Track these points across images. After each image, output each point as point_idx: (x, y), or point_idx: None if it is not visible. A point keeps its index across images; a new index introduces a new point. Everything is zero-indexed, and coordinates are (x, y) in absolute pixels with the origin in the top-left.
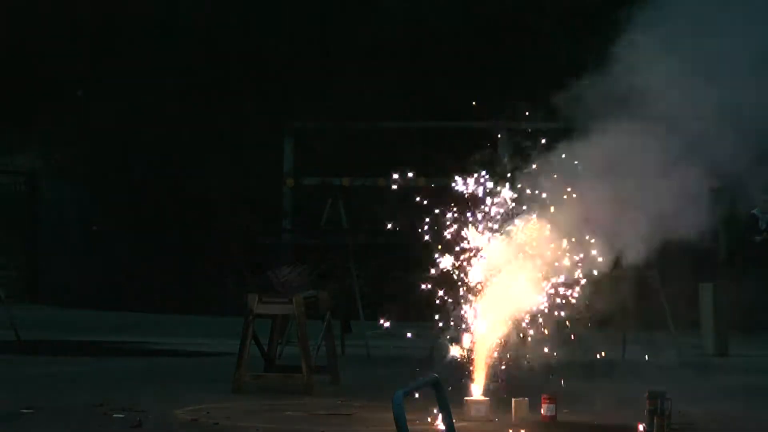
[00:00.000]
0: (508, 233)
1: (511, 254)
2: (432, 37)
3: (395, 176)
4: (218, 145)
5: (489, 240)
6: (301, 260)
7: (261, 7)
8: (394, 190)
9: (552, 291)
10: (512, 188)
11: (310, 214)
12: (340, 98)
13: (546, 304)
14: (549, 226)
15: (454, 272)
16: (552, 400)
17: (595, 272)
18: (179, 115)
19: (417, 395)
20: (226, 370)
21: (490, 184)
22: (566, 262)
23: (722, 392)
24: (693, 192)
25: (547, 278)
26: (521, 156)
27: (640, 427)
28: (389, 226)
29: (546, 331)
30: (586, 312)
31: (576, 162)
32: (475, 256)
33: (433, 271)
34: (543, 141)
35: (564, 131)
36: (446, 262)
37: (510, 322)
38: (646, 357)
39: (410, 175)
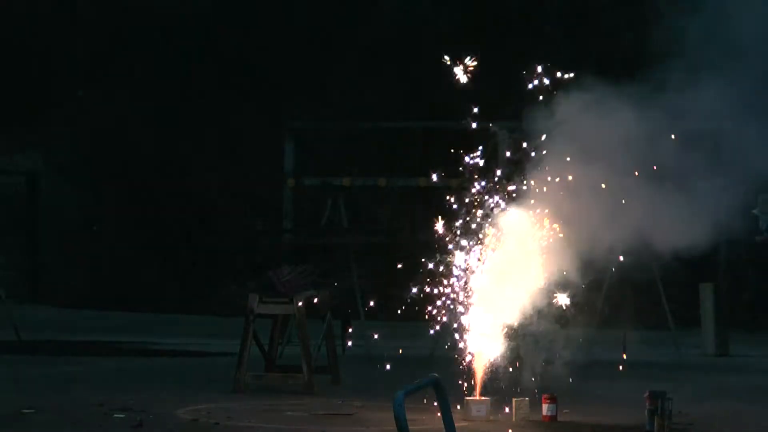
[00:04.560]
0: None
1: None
2: (431, 37)
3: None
4: (218, 145)
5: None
6: (302, 260)
7: (261, 6)
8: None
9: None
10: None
11: (310, 214)
12: (340, 98)
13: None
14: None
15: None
16: (552, 400)
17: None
18: (179, 115)
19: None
20: (226, 370)
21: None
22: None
23: (722, 392)
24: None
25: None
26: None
27: None
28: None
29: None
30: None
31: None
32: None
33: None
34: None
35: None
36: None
37: (510, 321)
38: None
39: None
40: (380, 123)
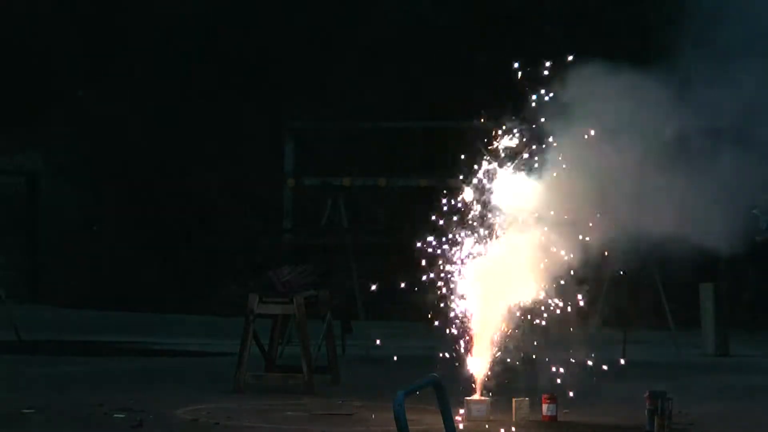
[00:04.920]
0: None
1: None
2: (431, 36)
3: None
4: (218, 145)
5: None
6: (302, 260)
7: (261, 6)
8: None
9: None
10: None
11: (310, 214)
12: (340, 98)
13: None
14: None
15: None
16: (552, 400)
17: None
18: (179, 115)
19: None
20: (226, 370)
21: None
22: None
23: (722, 392)
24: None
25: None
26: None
27: None
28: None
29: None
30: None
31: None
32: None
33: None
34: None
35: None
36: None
37: (509, 318)
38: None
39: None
40: (380, 123)
